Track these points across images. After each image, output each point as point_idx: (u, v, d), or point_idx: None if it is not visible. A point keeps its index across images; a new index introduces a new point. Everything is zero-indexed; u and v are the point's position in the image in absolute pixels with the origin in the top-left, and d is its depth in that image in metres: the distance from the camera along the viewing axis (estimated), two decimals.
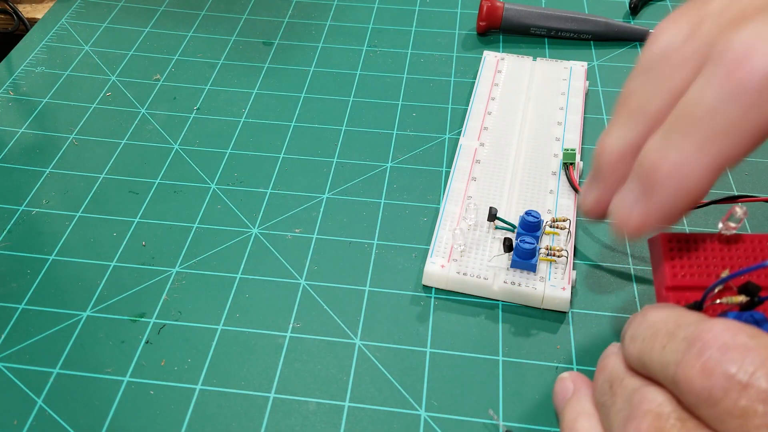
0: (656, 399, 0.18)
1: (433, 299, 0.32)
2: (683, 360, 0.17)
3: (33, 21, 0.53)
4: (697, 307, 0.21)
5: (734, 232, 0.22)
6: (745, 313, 0.21)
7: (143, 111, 0.43)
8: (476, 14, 0.50)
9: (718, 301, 0.21)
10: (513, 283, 0.32)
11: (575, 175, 0.37)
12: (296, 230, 0.36)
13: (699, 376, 0.17)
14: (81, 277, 0.33)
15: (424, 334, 0.31)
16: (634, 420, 0.18)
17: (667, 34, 0.21)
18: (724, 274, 0.21)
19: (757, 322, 0.20)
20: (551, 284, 0.31)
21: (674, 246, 0.22)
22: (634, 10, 0.52)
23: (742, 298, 0.21)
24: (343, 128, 0.42)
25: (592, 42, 0.49)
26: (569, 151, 0.37)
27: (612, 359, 0.21)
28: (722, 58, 0.18)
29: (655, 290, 0.23)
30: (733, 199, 0.34)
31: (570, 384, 0.24)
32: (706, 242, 0.22)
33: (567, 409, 0.23)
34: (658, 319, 0.19)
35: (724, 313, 0.21)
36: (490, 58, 0.46)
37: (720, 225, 0.22)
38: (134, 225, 0.36)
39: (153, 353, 0.30)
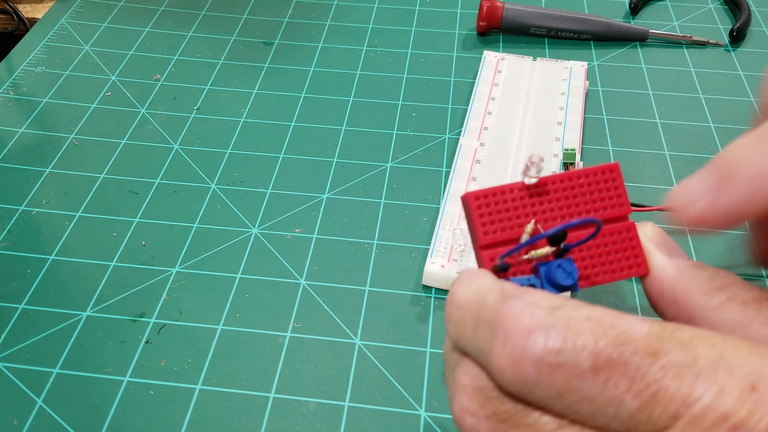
0: (472, 371, 0.18)
1: (433, 299, 0.32)
2: (492, 349, 0.17)
3: (33, 21, 0.53)
4: (503, 268, 0.21)
5: (535, 180, 0.21)
6: (531, 276, 0.21)
7: (143, 111, 0.43)
8: (476, 14, 0.50)
9: (525, 256, 0.21)
10: None
11: None
12: (296, 230, 0.36)
13: (510, 368, 0.16)
14: (81, 277, 0.33)
15: (424, 334, 0.31)
16: (455, 397, 0.18)
17: None
18: (528, 227, 0.21)
19: (549, 283, 0.20)
20: None
21: (482, 203, 0.21)
22: (634, 10, 0.52)
23: (546, 250, 0.21)
24: (343, 128, 0.42)
25: (592, 42, 0.49)
26: (569, 151, 0.37)
27: (446, 338, 0.21)
28: None
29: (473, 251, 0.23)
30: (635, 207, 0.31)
31: None
32: (514, 192, 0.21)
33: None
34: (463, 301, 0.19)
35: (513, 278, 0.21)
36: (490, 58, 0.46)
37: (522, 177, 0.21)
38: (134, 225, 0.36)
39: (153, 353, 0.30)
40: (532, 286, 0.21)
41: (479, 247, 0.21)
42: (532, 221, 0.21)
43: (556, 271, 0.21)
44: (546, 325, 0.16)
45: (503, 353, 0.17)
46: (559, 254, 0.21)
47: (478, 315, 0.18)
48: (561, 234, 0.21)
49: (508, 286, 0.19)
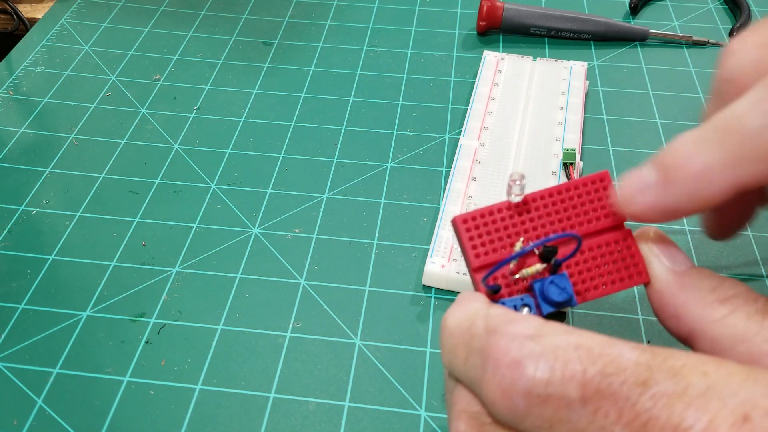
0: (466, 398, 0.19)
1: (433, 299, 0.32)
2: (482, 379, 0.17)
3: (33, 21, 0.53)
4: (495, 290, 0.21)
5: (521, 198, 0.21)
6: (525, 296, 0.20)
7: (143, 111, 0.43)
8: (476, 14, 0.50)
9: (517, 276, 0.21)
10: None
11: (575, 175, 0.37)
12: (296, 230, 0.36)
13: (500, 398, 0.17)
14: (81, 277, 0.33)
15: (424, 334, 0.31)
16: (452, 422, 0.19)
17: (735, 58, 0.21)
18: (518, 246, 0.21)
19: (544, 300, 0.20)
20: None
21: (471, 225, 0.21)
22: (634, 10, 0.52)
23: (538, 267, 0.21)
24: (343, 128, 0.42)
25: (592, 42, 0.49)
26: (569, 151, 0.37)
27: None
28: None
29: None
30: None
31: None
32: (502, 212, 0.21)
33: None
34: (454, 328, 0.19)
35: (507, 298, 0.21)
36: (490, 58, 0.46)
37: (507, 196, 0.21)
38: (134, 225, 0.36)
39: (153, 353, 0.30)
40: (526, 305, 0.20)
41: (472, 270, 0.21)
42: (521, 240, 0.21)
43: (550, 288, 0.20)
44: (534, 355, 0.16)
45: (493, 384, 0.17)
46: (552, 270, 0.21)
47: (470, 343, 0.18)
48: (551, 250, 0.21)
49: (496, 312, 0.18)
